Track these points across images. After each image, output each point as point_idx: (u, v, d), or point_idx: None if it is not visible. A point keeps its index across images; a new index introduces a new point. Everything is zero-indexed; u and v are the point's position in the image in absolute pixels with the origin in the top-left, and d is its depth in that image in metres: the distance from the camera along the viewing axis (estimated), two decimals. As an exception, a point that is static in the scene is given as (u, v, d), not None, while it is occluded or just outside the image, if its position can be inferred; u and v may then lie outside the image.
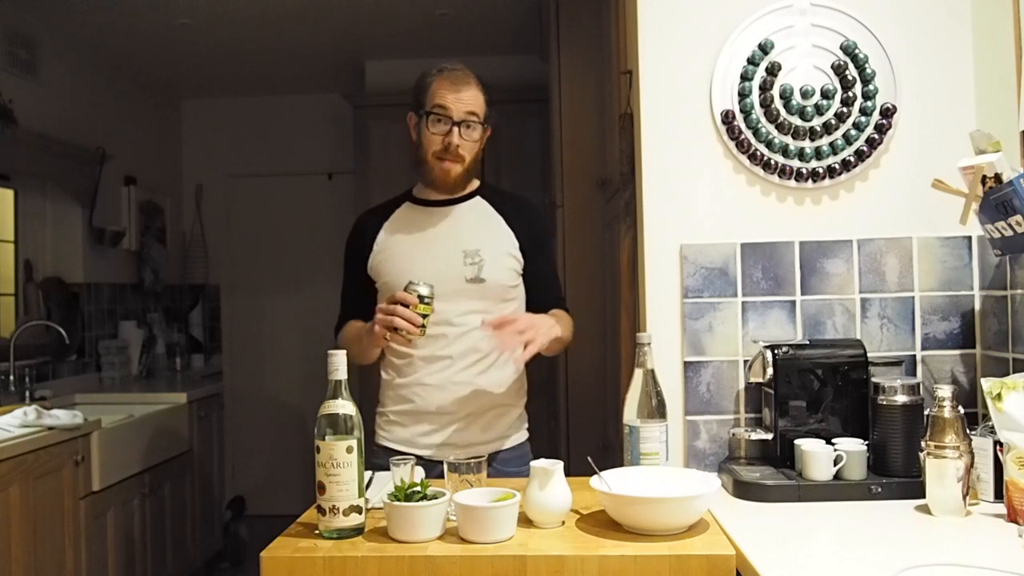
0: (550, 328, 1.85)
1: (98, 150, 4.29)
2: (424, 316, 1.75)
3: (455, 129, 1.89)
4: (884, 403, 1.66)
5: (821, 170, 1.85)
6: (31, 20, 3.89)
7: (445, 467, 1.51)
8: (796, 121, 1.86)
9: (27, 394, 3.55)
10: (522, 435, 2.03)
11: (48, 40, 4.04)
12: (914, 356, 1.84)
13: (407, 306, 1.74)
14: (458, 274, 1.91)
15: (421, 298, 1.74)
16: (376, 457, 1.96)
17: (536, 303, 2.01)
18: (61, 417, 2.95)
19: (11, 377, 3.54)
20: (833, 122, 1.85)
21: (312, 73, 5.01)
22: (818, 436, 1.71)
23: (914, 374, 1.83)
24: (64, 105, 4.15)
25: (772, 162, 1.86)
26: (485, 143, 2.00)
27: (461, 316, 1.91)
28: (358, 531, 1.42)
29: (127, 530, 3.46)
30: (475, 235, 1.95)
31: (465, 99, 1.90)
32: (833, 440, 1.68)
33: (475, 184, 2.03)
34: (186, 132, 5.52)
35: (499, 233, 1.97)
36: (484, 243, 1.94)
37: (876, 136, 1.85)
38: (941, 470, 1.47)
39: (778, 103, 1.86)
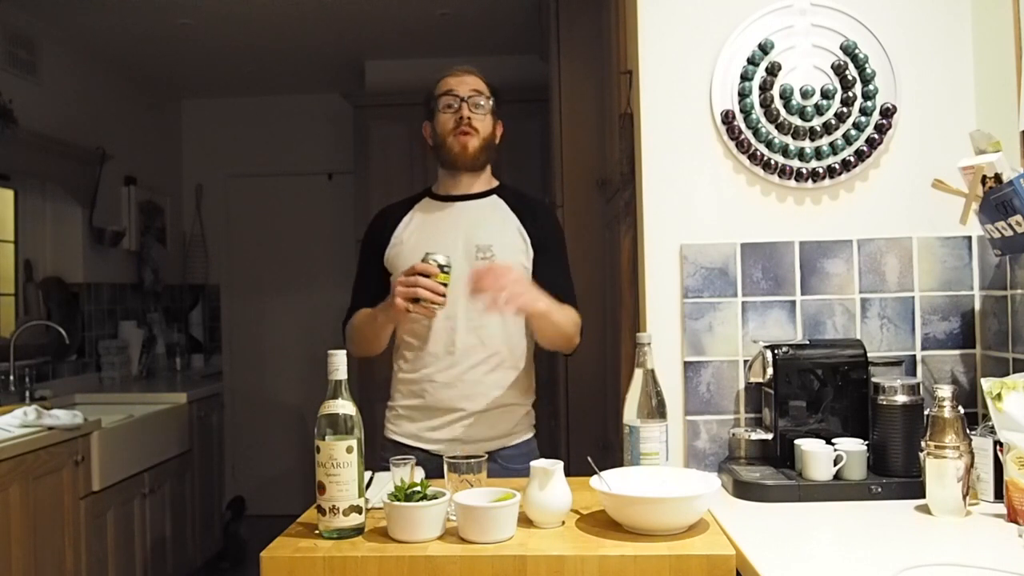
0: (535, 296, 1.83)
1: (98, 150, 4.29)
2: (444, 285, 1.75)
3: (464, 103, 1.97)
4: (884, 403, 1.66)
5: (821, 170, 1.85)
6: (31, 20, 3.89)
7: (445, 466, 1.51)
8: (796, 121, 1.86)
9: (27, 394, 3.55)
10: (528, 432, 2.04)
11: (48, 40, 4.04)
12: (914, 356, 1.84)
13: (428, 277, 1.74)
14: (469, 268, 1.92)
15: (441, 267, 1.75)
16: (385, 451, 2.00)
17: None
18: (61, 417, 2.95)
19: (11, 377, 3.54)
20: (833, 122, 1.85)
21: (312, 73, 5.01)
22: (818, 436, 1.71)
23: (914, 374, 1.83)
24: (64, 105, 4.15)
25: (772, 162, 1.86)
26: (500, 137, 2.06)
27: (472, 312, 1.92)
28: (358, 531, 1.42)
29: (127, 530, 3.46)
30: (489, 232, 1.97)
31: (469, 81, 2.01)
32: (833, 440, 1.68)
33: (494, 183, 2.06)
34: (186, 132, 5.52)
35: (512, 232, 1.98)
36: (497, 240, 1.95)
37: (876, 136, 1.85)
38: (941, 470, 1.47)
39: (778, 103, 1.86)
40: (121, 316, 4.65)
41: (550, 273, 2.01)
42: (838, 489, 1.62)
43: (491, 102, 2.01)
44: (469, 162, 1.99)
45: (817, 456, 1.63)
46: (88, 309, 4.32)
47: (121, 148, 4.56)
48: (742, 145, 1.86)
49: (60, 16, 3.92)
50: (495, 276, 1.75)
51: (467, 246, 1.94)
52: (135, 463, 3.51)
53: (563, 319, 1.93)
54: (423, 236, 2.00)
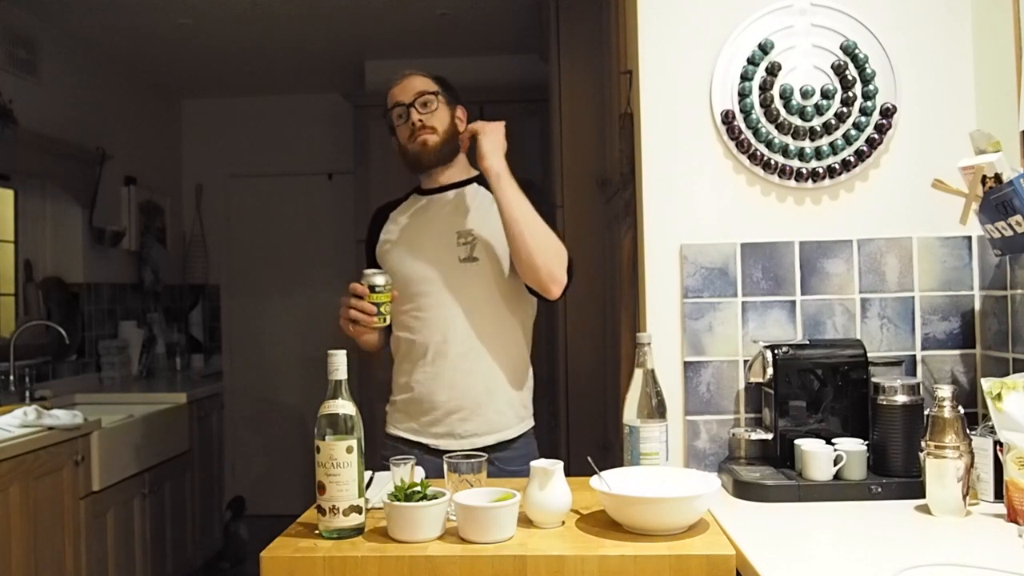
0: (500, 154, 1.88)
1: (98, 150, 4.29)
2: (379, 304, 1.78)
3: (411, 110, 1.99)
4: (884, 403, 1.66)
5: (821, 170, 1.85)
6: (31, 20, 3.89)
7: (445, 466, 1.51)
8: (796, 121, 1.86)
9: (27, 394, 3.55)
10: (524, 428, 2.02)
11: (48, 40, 4.04)
12: (914, 356, 1.84)
13: (362, 298, 1.79)
14: (452, 255, 1.95)
15: (373, 287, 1.77)
16: (386, 449, 2.01)
17: None
18: (61, 417, 2.95)
19: (11, 377, 3.53)
20: (833, 122, 1.85)
21: (312, 73, 5.01)
22: (818, 436, 1.71)
23: (914, 374, 1.83)
24: (64, 105, 4.15)
25: (772, 162, 1.86)
26: (465, 124, 2.05)
27: (457, 300, 1.93)
28: (358, 531, 1.42)
29: (127, 530, 3.46)
30: (469, 217, 1.99)
31: (410, 86, 2.03)
32: (833, 440, 1.68)
33: (474, 172, 2.08)
34: (186, 132, 5.52)
35: (492, 214, 1.98)
36: (478, 224, 1.97)
37: (876, 136, 1.85)
38: (941, 470, 1.47)
39: (778, 103, 1.86)
40: (121, 316, 4.65)
41: None
42: (838, 489, 1.62)
43: (440, 97, 2.01)
44: (433, 158, 2.01)
45: (817, 456, 1.63)
46: (88, 309, 4.32)
47: (121, 148, 4.56)
48: (742, 145, 1.86)
49: (60, 16, 3.92)
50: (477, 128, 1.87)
51: (448, 234, 1.97)
52: (135, 463, 3.51)
53: (538, 226, 1.87)
54: (408, 230, 2.04)
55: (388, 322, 1.83)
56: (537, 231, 1.87)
